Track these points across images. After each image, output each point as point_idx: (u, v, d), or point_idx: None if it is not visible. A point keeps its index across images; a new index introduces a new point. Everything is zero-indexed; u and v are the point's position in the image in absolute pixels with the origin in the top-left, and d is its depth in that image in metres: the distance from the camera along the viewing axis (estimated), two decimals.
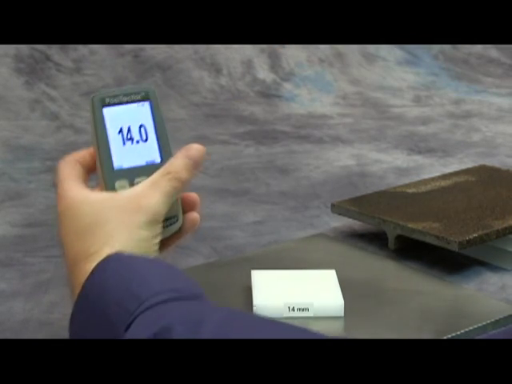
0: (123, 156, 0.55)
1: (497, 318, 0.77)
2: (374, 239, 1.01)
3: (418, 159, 1.38)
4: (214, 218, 1.09)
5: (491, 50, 2.15)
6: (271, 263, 0.89)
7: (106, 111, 0.55)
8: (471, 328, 0.75)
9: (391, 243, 0.97)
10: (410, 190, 1.05)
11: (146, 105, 0.56)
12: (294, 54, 1.89)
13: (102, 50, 1.71)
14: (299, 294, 0.77)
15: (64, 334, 0.76)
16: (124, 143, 0.55)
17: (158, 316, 0.43)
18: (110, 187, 0.54)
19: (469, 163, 1.34)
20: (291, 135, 1.53)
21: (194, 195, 0.56)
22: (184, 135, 1.52)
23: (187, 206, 0.56)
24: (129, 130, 0.55)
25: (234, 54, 1.83)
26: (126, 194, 0.52)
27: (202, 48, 1.81)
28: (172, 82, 1.72)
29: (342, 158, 1.39)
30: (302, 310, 0.76)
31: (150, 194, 0.51)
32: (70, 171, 0.53)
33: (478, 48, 2.14)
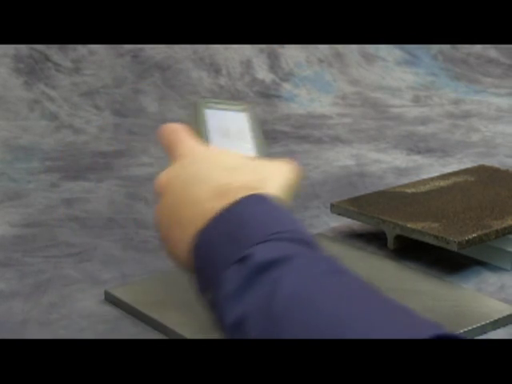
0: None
1: (496, 318, 0.77)
2: (373, 239, 1.01)
3: (418, 159, 1.38)
4: None
5: (490, 51, 2.15)
6: None
7: (209, 112, 0.59)
8: (470, 328, 0.75)
9: (390, 243, 0.97)
10: (409, 190, 1.05)
11: (244, 115, 0.60)
12: (293, 54, 1.89)
13: (101, 50, 1.71)
14: None
15: (62, 334, 0.77)
16: (223, 143, 0.58)
17: (285, 246, 0.45)
18: None
19: (468, 163, 1.34)
20: (290, 135, 1.53)
21: None
22: None
23: None
24: (227, 130, 0.59)
25: (233, 55, 1.83)
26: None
27: (201, 48, 1.81)
28: (171, 82, 1.72)
29: (341, 158, 1.39)
30: None
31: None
32: (188, 133, 0.56)
33: (477, 48, 2.15)
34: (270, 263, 0.43)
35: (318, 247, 0.48)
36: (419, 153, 1.42)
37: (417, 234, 0.92)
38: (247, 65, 1.82)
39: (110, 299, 0.84)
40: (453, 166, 1.33)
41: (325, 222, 1.08)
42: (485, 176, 1.10)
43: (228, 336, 0.45)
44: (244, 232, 0.46)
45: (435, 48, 2.09)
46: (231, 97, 1.73)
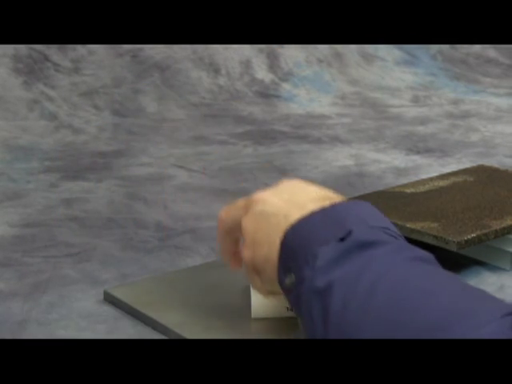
0: None
1: None
2: None
3: (417, 159, 1.38)
4: (212, 218, 1.09)
5: (489, 50, 2.15)
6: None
7: None
8: None
9: None
10: (408, 190, 1.05)
11: None
12: (292, 54, 1.89)
13: (100, 50, 1.71)
14: None
15: (62, 334, 0.77)
16: None
17: (382, 235, 0.51)
18: None
19: (467, 163, 1.34)
20: (290, 135, 1.53)
21: None
22: (182, 135, 1.52)
23: None
24: None
25: (233, 54, 1.83)
26: None
27: (200, 48, 1.81)
28: (170, 82, 1.72)
29: (340, 158, 1.39)
30: None
31: None
32: None
33: (476, 48, 2.15)
34: (367, 243, 0.50)
35: (406, 243, 0.54)
36: (418, 153, 1.42)
37: (416, 233, 0.92)
38: (246, 65, 1.82)
39: (109, 299, 0.84)
40: (452, 166, 1.33)
41: None
42: (484, 176, 1.10)
43: (307, 298, 0.48)
44: (345, 219, 0.52)
45: (434, 48, 2.10)
46: (230, 97, 1.73)
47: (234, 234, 0.66)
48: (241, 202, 0.64)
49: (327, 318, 0.45)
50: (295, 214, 0.57)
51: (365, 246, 0.50)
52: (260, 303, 0.75)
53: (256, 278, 0.62)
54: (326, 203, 0.57)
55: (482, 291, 0.48)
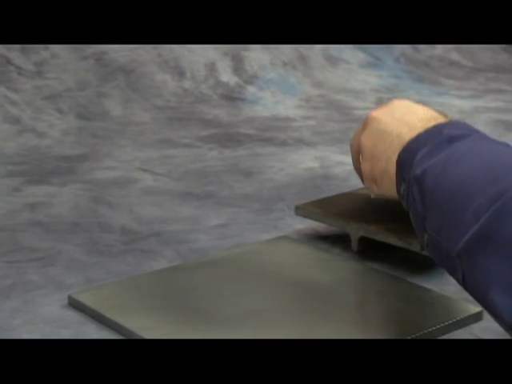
0: None
1: (458, 318, 0.77)
2: (337, 241, 1.02)
3: None
4: (177, 221, 1.09)
5: (452, 53, 2.17)
6: (235, 266, 0.89)
7: None
8: (434, 328, 0.75)
9: (354, 245, 0.97)
10: None
11: None
12: (257, 56, 1.89)
13: (63, 53, 1.70)
14: None
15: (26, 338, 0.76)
16: None
17: (470, 132, 0.62)
18: None
19: None
20: (255, 138, 1.53)
21: None
22: (147, 139, 1.52)
23: None
24: None
25: (198, 57, 1.83)
26: None
27: (165, 51, 1.80)
28: (135, 85, 1.71)
29: (305, 161, 1.40)
30: None
31: None
32: None
33: (438, 51, 2.17)
34: (454, 137, 0.60)
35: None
36: None
37: (381, 235, 0.93)
38: (211, 68, 1.82)
39: (74, 304, 0.84)
40: None
41: (289, 225, 1.08)
42: None
43: (411, 187, 0.60)
44: (442, 130, 0.64)
45: (398, 51, 2.11)
46: (195, 100, 1.73)
47: (357, 146, 0.79)
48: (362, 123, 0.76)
49: (424, 196, 0.54)
50: (406, 134, 0.68)
51: (452, 139, 0.60)
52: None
53: (375, 186, 0.76)
54: (431, 123, 0.67)
55: None
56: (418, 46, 2.16)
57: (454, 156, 0.58)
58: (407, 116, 0.70)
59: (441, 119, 0.69)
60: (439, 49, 2.17)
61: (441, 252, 0.55)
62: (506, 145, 0.60)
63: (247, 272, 0.87)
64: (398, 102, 0.77)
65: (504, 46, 2.36)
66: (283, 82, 1.86)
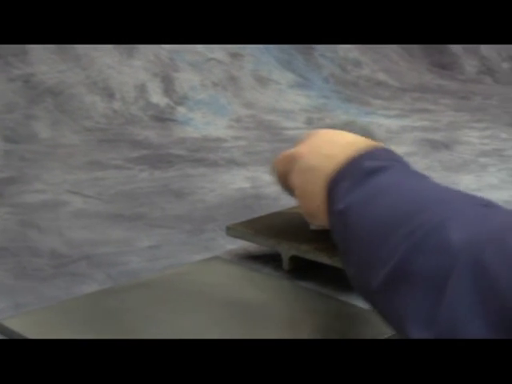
0: None
1: (385, 337, 0.79)
2: (269, 261, 1.02)
3: None
4: (108, 243, 1.08)
5: (379, 74, 2.21)
6: (167, 287, 0.89)
7: None
8: None
9: (285, 264, 0.98)
10: None
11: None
12: (187, 77, 1.89)
13: None
14: None
15: None
16: None
17: (392, 164, 0.61)
18: None
19: None
20: (186, 159, 1.53)
21: None
22: (77, 161, 1.50)
23: None
24: None
25: (127, 79, 1.82)
26: None
27: (94, 73, 1.79)
28: (64, 107, 1.69)
29: (236, 181, 1.40)
30: None
31: None
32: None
33: (366, 71, 2.20)
34: (375, 169, 0.60)
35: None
36: None
37: (311, 254, 0.94)
38: (141, 89, 1.82)
39: (2, 330, 0.82)
40: None
41: (221, 245, 1.08)
42: None
43: (336, 221, 0.60)
44: (364, 158, 0.65)
45: (326, 71, 2.14)
46: (125, 121, 1.72)
47: (285, 178, 0.81)
48: (287, 155, 0.76)
49: (346, 231, 0.54)
50: (330, 168, 0.68)
51: (372, 173, 0.60)
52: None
53: (314, 220, 0.77)
54: (353, 152, 0.68)
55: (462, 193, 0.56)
56: (347, 67, 2.20)
57: (373, 192, 0.58)
58: (330, 147, 0.71)
59: (363, 144, 0.70)
60: (366, 69, 2.21)
61: (361, 286, 0.56)
62: (424, 177, 0.61)
63: (179, 293, 0.87)
64: (320, 133, 0.77)
65: (429, 66, 2.42)
66: (214, 103, 1.86)
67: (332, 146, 0.71)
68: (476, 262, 0.40)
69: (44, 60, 1.76)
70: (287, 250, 0.96)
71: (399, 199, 0.53)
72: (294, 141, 1.69)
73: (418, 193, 0.52)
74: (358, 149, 0.69)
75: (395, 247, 0.46)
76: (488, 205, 0.47)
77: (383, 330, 0.79)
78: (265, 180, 1.41)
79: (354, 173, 0.62)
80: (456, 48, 2.53)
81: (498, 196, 1.34)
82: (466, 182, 1.41)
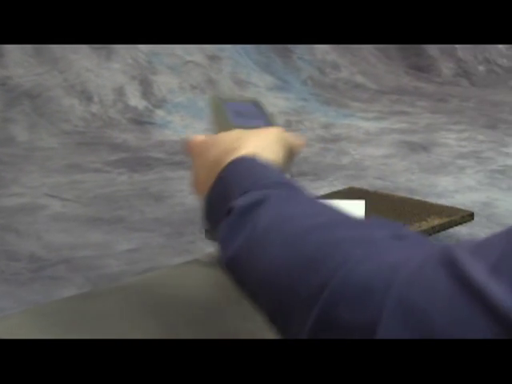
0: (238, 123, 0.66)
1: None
2: None
3: None
4: (87, 247, 1.08)
5: (357, 76, 2.22)
6: (146, 291, 0.88)
7: (226, 104, 0.66)
8: None
9: None
10: None
11: (255, 104, 0.67)
12: (165, 80, 1.89)
13: None
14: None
15: None
16: (240, 121, 0.65)
17: (265, 192, 0.54)
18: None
19: (339, 185, 1.38)
20: (165, 162, 1.53)
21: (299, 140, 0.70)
22: (55, 164, 1.49)
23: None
24: (244, 115, 0.67)
25: (105, 81, 1.81)
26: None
27: (71, 75, 1.78)
28: (41, 110, 1.68)
29: None
30: None
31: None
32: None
33: (344, 74, 2.21)
34: (248, 207, 0.53)
35: (291, 184, 0.56)
36: (291, 176, 1.45)
37: None
38: (119, 92, 1.81)
39: None
40: (324, 188, 1.36)
41: (201, 248, 1.08)
42: (355, 197, 1.13)
43: (228, 270, 0.53)
44: (229, 191, 0.57)
45: (305, 74, 2.15)
46: (104, 124, 1.71)
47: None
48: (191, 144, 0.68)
49: (243, 282, 0.50)
50: (203, 191, 0.63)
51: (246, 211, 0.54)
52: None
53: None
54: (217, 170, 0.61)
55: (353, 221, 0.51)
56: (325, 69, 2.21)
57: (255, 238, 0.52)
58: (201, 164, 0.65)
59: (226, 159, 0.60)
60: (345, 72, 2.22)
61: (283, 330, 0.53)
62: (308, 202, 0.55)
63: (159, 297, 0.87)
64: (196, 144, 0.69)
65: (406, 69, 2.43)
66: (192, 106, 1.86)
67: (202, 163, 0.64)
68: (401, 302, 0.39)
69: (21, 63, 1.75)
70: None
71: (288, 246, 0.48)
72: None
73: (308, 235, 0.48)
74: (220, 173, 0.62)
75: (309, 305, 0.44)
76: (400, 236, 0.45)
77: None
78: None
79: (225, 216, 0.56)
80: (433, 51, 2.54)
81: (475, 197, 1.34)
82: (444, 184, 1.41)
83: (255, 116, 0.68)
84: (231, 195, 0.55)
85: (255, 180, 0.56)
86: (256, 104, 0.68)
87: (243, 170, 0.58)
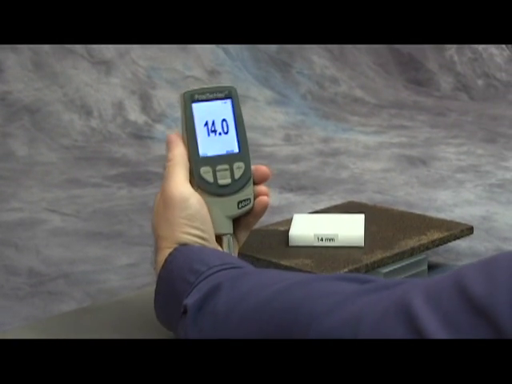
0: (208, 145, 0.63)
1: None
2: None
3: (290, 197, 1.41)
4: (86, 261, 1.07)
5: (356, 90, 2.23)
6: (146, 305, 0.88)
7: (195, 106, 0.63)
8: None
9: None
10: (282, 228, 1.07)
11: (228, 102, 0.64)
12: (164, 95, 1.89)
13: None
14: (327, 228, 0.98)
15: None
16: (208, 134, 0.63)
17: (212, 279, 0.54)
18: (195, 173, 0.61)
19: (338, 200, 1.38)
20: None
21: (264, 168, 0.64)
22: (55, 179, 1.49)
23: (258, 178, 0.64)
24: (213, 123, 0.64)
25: (105, 96, 1.82)
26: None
27: (71, 90, 1.79)
28: (41, 124, 1.69)
29: None
30: (329, 240, 0.97)
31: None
32: (179, 171, 0.63)
33: (343, 88, 2.22)
34: (202, 301, 0.54)
35: (235, 261, 0.57)
36: (291, 190, 1.45)
37: (290, 270, 0.94)
38: (119, 106, 1.81)
39: None
40: (324, 202, 1.36)
41: None
42: (354, 212, 1.13)
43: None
44: (176, 291, 0.58)
45: (304, 88, 2.15)
46: (103, 139, 1.72)
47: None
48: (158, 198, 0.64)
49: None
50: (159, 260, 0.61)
51: (200, 306, 0.54)
52: (295, 234, 0.96)
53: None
54: (161, 259, 0.60)
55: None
56: (324, 84, 2.21)
57: (219, 327, 0.52)
58: (158, 233, 0.63)
59: (166, 251, 0.61)
60: (343, 86, 2.22)
61: None
62: (256, 274, 0.54)
63: None
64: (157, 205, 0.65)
65: (405, 83, 2.43)
66: None
67: (159, 233, 0.63)
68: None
69: (20, 78, 1.76)
70: (266, 267, 0.96)
71: (258, 315, 0.48)
72: (272, 158, 1.70)
73: (272, 299, 0.48)
74: (161, 272, 0.61)
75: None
76: (363, 281, 0.45)
77: None
78: None
79: (186, 312, 0.55)
80: (432, 64, 2.55)
81: (474, 211, 1.34)
82: (443, 198, 1.42)
83: (221, 125, 0.65)
84: (180, 292, 0.56)
85: (198, 269, 0.56)
86: (226, 98, 0.65)
87: (183, 263, 0.58)
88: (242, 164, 0.64)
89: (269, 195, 0.64)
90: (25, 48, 1.79)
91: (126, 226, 1.23)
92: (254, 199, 0.64)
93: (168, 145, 0.64)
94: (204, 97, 0.63)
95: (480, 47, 2.58)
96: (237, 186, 0.63)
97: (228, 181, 0.63)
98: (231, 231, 0.63)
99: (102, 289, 0.99)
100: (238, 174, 0.63)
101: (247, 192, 0.64)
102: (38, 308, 0.93)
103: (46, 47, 1.81)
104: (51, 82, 1.79)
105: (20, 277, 1.02)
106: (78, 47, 1.84)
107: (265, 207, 0.63)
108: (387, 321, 0.40)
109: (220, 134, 0.64)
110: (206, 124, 0.64)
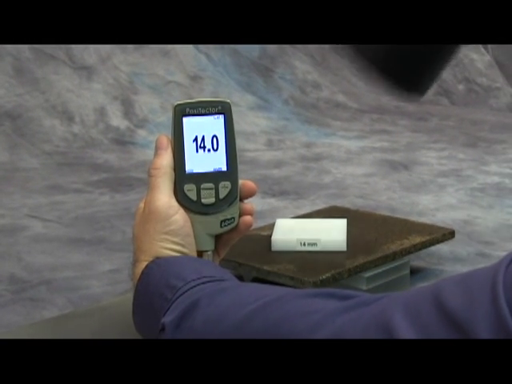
0: (194, 162, 0.61)
1: None
2: None
3: (272, 202, 1.41)
4: (68, 268, 1.07)
5: (338, 95, 2.23)
6: (128, 311, 0.88)
7: (186, 120, 0.61)
8: None
9: None
10: (264, 233, 1.07)
11: (221, 118, 0.62)
12: (147, 100, 1.89)
13: None
14: (310, 233, 0.99)
15: None
16: (197, 151, 0.61)
17: (189, 295, 0.54)
18: (179, 189, 0.60)
19: (320, 204, 1.38)
20: (147, 182, 1.53)
21: (250, 183, 0.62)
22: (36, 185, 1.49)
23: (244, 194, 0.62)
24: (203, 139, 0.62)
25: (87, 102, 1.81)
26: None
27: (52, 96, 1.78)
28: (22, 130, 1.68)
29: None
30: (311, 244, 0.97)
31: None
32: (166, 183, 0.61)
33: (325, 93, 2.22)
34: (180, 318, 0.54)
35: (213, 272, 0.56)
36: (274, 196, 1.45)
37: (273, 275, 0.94)
38: (101, 112, 1.81)
39: None
40: (306, 207, 1.37)
41: None
42: (337, 216, 1.13)
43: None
44: (154, 307, 0.57)
45: (286, 93, 2.15)
46: (85, 144, 1.71)
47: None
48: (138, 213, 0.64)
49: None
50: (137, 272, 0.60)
51: (178, 324, 0.53)
52: (278, 238, 0.96)
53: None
54: (137, 273, 0.59)
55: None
56: (306, 89, 2.22)
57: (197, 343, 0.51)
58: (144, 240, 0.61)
59: (142, 264, 0.60)
60: (326, 91, 2.23)
61: None
62: (233, 289, 0.54)
63: None
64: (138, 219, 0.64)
65: (386, 89, 2.44)
66: None
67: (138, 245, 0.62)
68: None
69: (1, 83, 1.75)
70: (249, 272, 0.96)
71: (238, 333, 0.49)
72: (255, 163, 1.70)
73: (252, 317, 0.48)
74: (137, 286, 0.59)
75: None
76: (344, 297, 0.45)
77: None
78: None
79: (164, 329, 0.55)
80: None
81: (456, 215, 1.35)
82: (425, 203, 1.42)
83: (211, 142, 0.62)
84: (158, 309, 0.55)
85: (174, 285, 0.55)
86: (219, 114, 0.62)
87: (160, 278, 0.57)
88: (228, 183, 0.61)
89: (253, 214, 0.63)
90: (6, 54, 1.78)
91: (108, 232, 1.22)
92: (240, 217, 0.62)
93: (157, 149, 0.62)
94: (196, 111, 0.61)
95: (461, 53, 2.59)
96: (221, 205, 0.60)
97: (212, 200, 0.60)
98: (212, 248, 0.61)
99: (84, 295, 0.98)
100: (223, 194, 0.61)
101: (232, 211, 0.62)
102: (20, 315, 0.93)
103: (28, 53, 1.81)
104: (32, 87, 1.78)
105: (1, 283, 1.01)
106: (60, 53, 1.84)
107: (249, 227, 0.62)
108: (368, 338, 0.40)
109: (209, 150, 0.62)
110: (196, 139, 0.61)
